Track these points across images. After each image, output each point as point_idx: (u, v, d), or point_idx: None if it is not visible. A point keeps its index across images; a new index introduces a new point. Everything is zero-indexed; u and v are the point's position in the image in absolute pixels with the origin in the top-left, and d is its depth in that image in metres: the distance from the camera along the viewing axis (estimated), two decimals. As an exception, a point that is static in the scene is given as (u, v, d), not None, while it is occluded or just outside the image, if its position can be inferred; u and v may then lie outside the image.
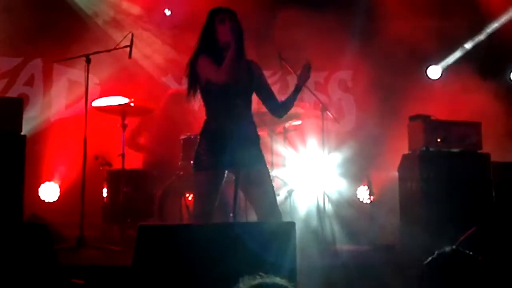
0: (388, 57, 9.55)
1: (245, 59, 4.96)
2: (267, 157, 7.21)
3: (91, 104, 7.19)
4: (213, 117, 4.91)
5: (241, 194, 5.20)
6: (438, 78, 9.92)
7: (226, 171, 4.88)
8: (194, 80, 4.96)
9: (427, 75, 9.92)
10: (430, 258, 3.07)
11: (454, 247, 3.08)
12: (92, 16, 9.28)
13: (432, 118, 7.45)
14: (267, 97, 5.12)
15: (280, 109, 5.17)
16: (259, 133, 7.29)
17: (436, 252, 3.09)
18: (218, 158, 4.77)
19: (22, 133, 6.56)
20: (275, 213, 4.85)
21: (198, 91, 4.97)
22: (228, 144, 4.75)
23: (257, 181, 4.85)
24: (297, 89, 5.04)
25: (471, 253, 3.05)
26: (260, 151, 5.00)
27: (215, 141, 4.81)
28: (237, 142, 4.77)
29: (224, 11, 4.99)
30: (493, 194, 7.21)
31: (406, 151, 7.59)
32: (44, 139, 8.82)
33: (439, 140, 7.26)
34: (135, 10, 9.42)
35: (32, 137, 7.76)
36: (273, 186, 4.98)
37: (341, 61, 9.70)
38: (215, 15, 4.97)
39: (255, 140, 5.00)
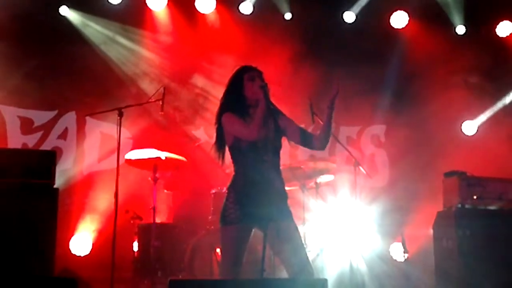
0: (422, 111, 9.49)
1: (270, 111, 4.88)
2: (299, 213, 7.17)
3: (123, 158, 7.20)
4: (242, 173, 4.86)
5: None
6: (474, 134, 9.80)
7: (254, 227, 4.80)
8: (221, 138, 4.96)
9: (462, 130, 9.81)
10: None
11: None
12: (125, 69, 9.39)
13: (468, 174, 7.32)
14: (301, 136, 4.97)
15: (320, 140, 4.91)
16: (291, 187, 7.31)
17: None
18: (246, 213, 4.72)
19: (55, 186, 6.59)
20: (307, 269, 4.72)
21: (226, 148, 4.96)
22: (256, 199, 4.69)
23: (286, 236, 4.72)
24: (330, 110, 4.80)
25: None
26: (288, 206, 4.89)
27: (243, 196, 4.76)
28: (266, 197, 4.68)
29: (254, 69, 5.02)
30: (533, 252, 7.02)
31: (440, 208, 7.46)
32: (76, 192, 8.82)
33: (475, 197, 7.13)
34: (167, 63, 9.53)
35: (64, 190, 7.78)
36: (302, 242, 4.88)
37: (374, 116, 9.66)
38: (244, 73, 5.00)
39: (284, 196, 4.89)
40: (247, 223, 4.74)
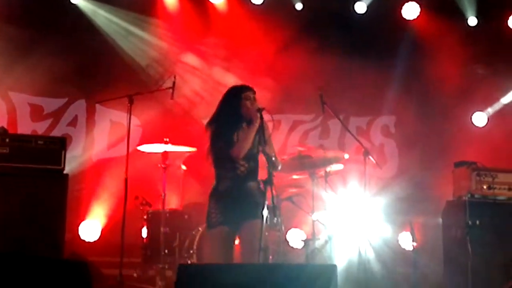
0: (432, 102, 9.47)
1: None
2: (308, 201, 7.18)
3: (133, 145, 7.22)
4: (220, 179, 5.37)
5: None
6: (484, 125, 9.75)
7: (233, 229, 5.27)
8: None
9: (472, 122, 9.76)
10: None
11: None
12: (135, 57, 9.40)
13: (478, 164, 7.29)
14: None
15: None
16: (300, 176, 7.33)
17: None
18: (225, 217, 5.23)
19: (65, 171, 6.61)
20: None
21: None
22: (231, 203, 5.23)
23: (247, 232, 5.19)
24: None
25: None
26: (258, 205, 5.10)
27: (221, 201, 5.28)
28: (239, 201, 5.23)
29: (251, 89, 5.44)
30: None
31: (450, 197, 7.45)
32: (85, 178, 8.87)
33: (485, 187, 7.11)
34: (177, 51, 9.54)
35: (73, 176, 7.80)
36: (260, 240, 5.03)
37: (383, 106, 9.65)
38: (243, 92, 5.42)
39: (256, 196, 5.22)
40: (227, 225, 5.23)
